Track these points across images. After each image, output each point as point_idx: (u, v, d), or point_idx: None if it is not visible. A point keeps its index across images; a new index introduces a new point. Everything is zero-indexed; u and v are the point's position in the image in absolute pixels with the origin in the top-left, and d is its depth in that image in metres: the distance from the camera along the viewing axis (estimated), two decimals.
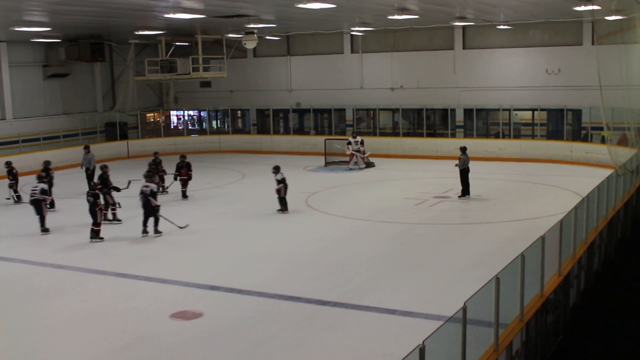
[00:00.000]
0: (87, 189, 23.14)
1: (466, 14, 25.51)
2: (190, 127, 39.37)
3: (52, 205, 20.81)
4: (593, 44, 27.21)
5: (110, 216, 18.99)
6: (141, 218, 17.53)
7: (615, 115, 23.69)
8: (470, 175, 21.10)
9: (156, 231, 17.47)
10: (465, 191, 21.06)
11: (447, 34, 31.42)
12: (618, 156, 21.22)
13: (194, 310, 11.87)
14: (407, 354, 6.46)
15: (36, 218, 18.05)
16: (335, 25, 29.48)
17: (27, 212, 20.85)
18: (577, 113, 29.12)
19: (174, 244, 16.74)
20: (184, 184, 21.97)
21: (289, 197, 21.55)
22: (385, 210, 19.78)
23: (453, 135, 31.53)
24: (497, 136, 31.18)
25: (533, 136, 30.17)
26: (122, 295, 13.00)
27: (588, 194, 14.13)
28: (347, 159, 28.32)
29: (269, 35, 32.77)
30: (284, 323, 11.30)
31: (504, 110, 30.54)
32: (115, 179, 20.12)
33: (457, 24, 29.16)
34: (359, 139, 28.41)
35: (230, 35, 30.53)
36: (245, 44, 27.67)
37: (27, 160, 27.74)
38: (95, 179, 18.73)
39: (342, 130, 34.13)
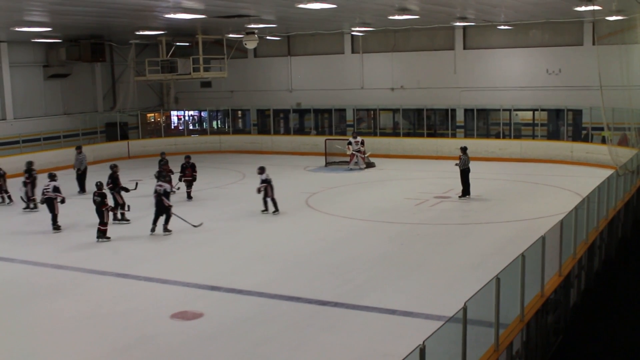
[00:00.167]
0: (77, 189, 23.30)
1: (467, 14, 25.51)
2: (190, 128, 39.39)
3: (35, 205, 20.94)
4: (594, 44, 27.20)
5: (119, 216, 18.99)
6: (146, 219, 17.58)
7: (616, 115, 23.67)
8: (470, 175, 21.10)
9: (165, 230, 17.56)
10: (466, 191, 21.06)
11: (448, 34, 31.42)
12: (618, 156, 21.22)
13: (195, 310, 11.87)
14: (407, 354, 6.46)
15: (35, 218, 18.08)
16: (336, 26, 29.48)
17: (27, 213, 20.89)
18: (577, 113, 29.12)
19: (175, 245, 16.74)
20: (189, 184, 21.93)
21: (289, 197, 21.60)
22: (385, 210, 19.77)
23: (453, 136, 31.53)
24: (497, 136, 31.17)
25: (534, 136, 30.16)
26: (123, 295, 13.00)
27: (588, 194, 14.14)
28: (348, 159, 28.31)
29: (269, 36, 32.78)
30: (284, 323, 11.30)
31: (504, 110, 30.53)
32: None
33: (457, 24, 29.16)
34: (359, 139, 28.40)
35: (230, 35, 30.54)
36: (245, 44, 27.66)
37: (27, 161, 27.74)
38: (105, 179, 18.72)
39: (342, 131, 34.14)
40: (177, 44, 32.05)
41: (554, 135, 30.04)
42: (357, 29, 30.96)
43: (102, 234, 17.06)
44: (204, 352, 10.25)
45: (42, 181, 23.72)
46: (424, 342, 6.48)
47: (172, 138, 35.44)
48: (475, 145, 28.71)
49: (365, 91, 33.48)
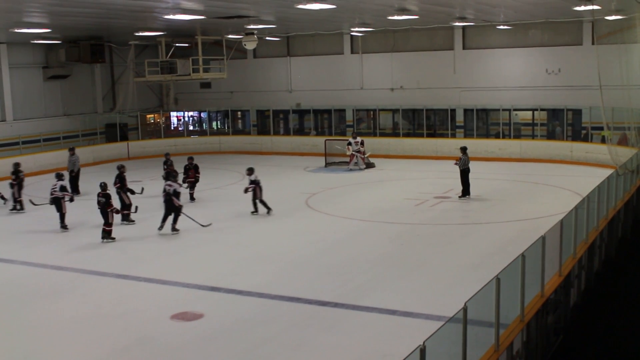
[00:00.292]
0: (70, 191, 23.20)
1: (466, 14, 25.51)
2: (190, 128, 39.39)
3: (21, 207, 20.95)
4: (593, 43, 27.19)
5: (131, 215, 18.99)
6: (149, 220, 17.67)
7: (616, 115, 23.68)
8: (470, 175, 21.10)
9: (173, 229, 17.65)
10: (466, 191, 21.05)
11: (447, 34, 31.43)
12: (618, 156, 21.22)
13: (195, 311, 11.86)
14: (407, 354, 6.46)
15: (35, 218, 18.08)
16: (335, 26, 29.49)
17: (27, 213, 20.89)
18: (577, 113, 29.12)
19: (175, 245, 16.74)
20: (192, 186, 21.91)
21: (288, 198, 21.65)
22: (385, 210, 19.77)
23: (453, 136, 31.53)
24: (497, 136, 31.17)
25: (533, 136, 30.17)
26: (123, 296, 12.99)
27: (588, 193, 14.14)
28: (348, 159, 28.32)
29: (269, 36, 32.77)
30: (284, 324, 11.29)
31: (504, 110, 30.54)
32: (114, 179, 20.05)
33: (457, 24, 29.16)
34: (359, 139, 28.40)
35: (230, 36, 30.54)
36: (245, 44, 27.67)
37: (28, 162, 27.72)
38: (107, 180, 18.72)
39: (342, 131, 34.14)
40: (177, 44, 32.06)
41: (553, 135, 30.05)
42: (357, 29, 30.96)
43: (107, 234, 17.06)
44: (204, 352, 10.24)
45: (29, 183, 23.83)
46: (424, 342, 6.48)
47: (172, 139, 35.43)
48: (475, 145, 28.71)
49: (365, 91, 33.49)
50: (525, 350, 10.24)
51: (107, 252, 16.29)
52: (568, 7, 22.21)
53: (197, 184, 22.24)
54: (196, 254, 15.98)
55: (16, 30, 23.68)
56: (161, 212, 17.89)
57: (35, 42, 30.05)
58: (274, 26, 27.58)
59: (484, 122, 32.28)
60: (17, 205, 21.09)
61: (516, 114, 30.97)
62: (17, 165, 21.63)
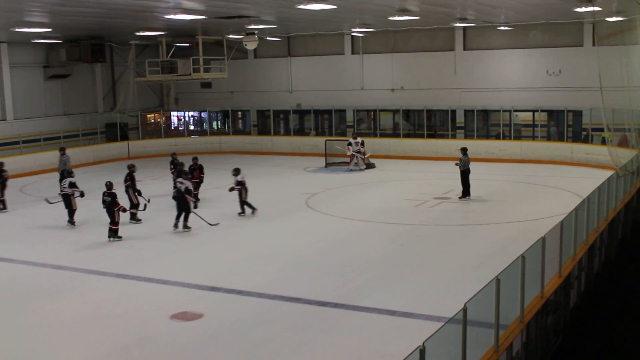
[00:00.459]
0: (58, 191, 23.19)
1: (467, 15, 25.51)
2: (190, 128, 39.39)
3: (4, 206, 20.95)
4: (594, 45, 27.21)
5: (141, 207, 19.06)
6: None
7: (616, 116, 23.69)
8: (470, 176, 21.10)
9: (185, 226, 17.77)
10: (466, 192, 21.05)
11: (448, 35, 31.43)
12: (618, 157, 21.24)
13: (194, 311, 11.86)
14: (407, 355, 6.46)
15: (35, 218, 18.07)
16: (336, 26, 29.49)
17: (27, 214, 20.90)
18: (577, 114, 29.12)
19: (175, 245, 16.75)
20: (196, 186, 21.86)
21: (288, 198, 21.65)
22: (385, 211, 19.77)
23: (453, 137, 31.53)
24: (497, 137, 31.17)
25: (534, 137, 30.16)
26: (123, 296, 12.99)
27: (588, 195, 14.14)
28: (348, 160, 28.32)
29: (269, 36, 32.78)
30: (284, 324, 11.29)
31: (504, 111, 30.53)
32: (117, 179, 20.04)
33: (457, 25, 29.16)
34: (359, 139, 28.40)
35: (230, 36, 30.55)
36: (245, 44, 27.67)
37: (28, 161, 27.79)
38: (113, 178, 18.81)
39: (342, 131, 34.14)
40: (177, 44, 32.04)
41: (554, 136, 30.05)
42: (357, 29, 30.96)
43: (113, 233, 17.06)
44: (204, 352, 10.25)
45: (29, 182, 23.88)
46: (424, 343, 6.48)
47: (172, 139, 35.43)
48: (476, 146, 28.71)
49: (365, 92, 33.49)
50: (525, 351, 10.24)
51: (107, 251, 16.29)
52: (569, 8, 22.20)
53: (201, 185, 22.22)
54: (196, 253, 15.98)
55: (17, 30, 23.68)
56: (165, 212, 17.91)
57: (36, 41, 30.04)
58: (274, 26, 27.58)
59: (484, 123, 32.28)
60: (0, 204, 21.08)
61: (516, 115, 30.98)
62: (0, 164, 21.60)
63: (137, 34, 28.26)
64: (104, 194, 17.14)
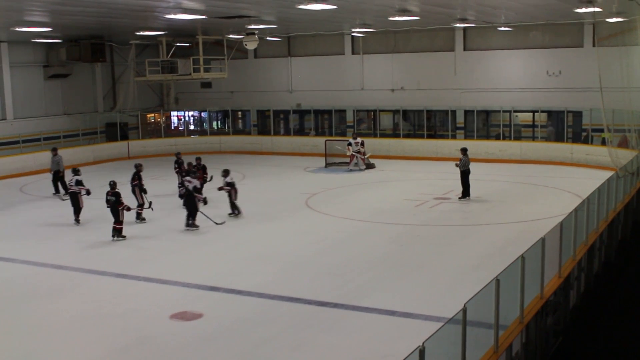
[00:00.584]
0: (53, 191, 23.19)
1: (467, 16, 25.51)
2: (190, 128, 39.38)
3: None
4: (594, 45, 27.23)
5: (146, 206, 19.08)
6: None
7: (616, 117, 23.70)
8: (470, 176, 21.09)
9: (193, 225, 17.91)
10: (466, 192, 21.05)
11: (448, 36, 31.43)
12: (618, 158, 21.23)
13: (194, 311, 11.87)
14: (407, 355, 6.46)
15: (35, 218, 18.06)
16: (336, 26, 29.48)
17: (27, 213, 20.90)
18: (577, 115, 29.12)
19: (174, 245, 16.74)
20: (200, 186, 21.87)
21: (288, 198, 21.64)
22: (385, 211, 19.78)
23: (453, 137, 31.53)
24: (497, 138, 31.17)
25: (534, 138, 30.16)
26: (122, 296, 12.99)
27: (588, 195, 14.14)
28: (348, 160, 28.31)
29: (269, 36, 32.78)
30: (283, 324, 11.30)
31: (504, 111, 30.53)
32: (116, 179, 20.02)
33: (458, 25, 29.16)
34: (359, 140, 28.40)
35: (231, 36, 30.55)
36: (246, 44, 27.66)
37: (28, 161, 27.78)
38: (113, 178, 18.78)
39: (342, 132, 34.14)
40: (178, 44, 32.04)
41: (549, 136, 30.04)
42: (358, 29, 30.97)
43: (118, 232, 17.07)
44: (204, 352, 10.25)
45: (29, 182, 23.89)
46: (423, 343, 6.48)
47: (172, 138, 35.42)
48: (476, 146, 28.71)
49: (366, 92, 33.48)
50: (525, 351, 10.24)
51: (107, 251, 16.29)
52: (569, 9, 22.19)
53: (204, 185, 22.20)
54: (196, 253, 15.98)
55: (17, 29, 23.69)
56: (167, 212, 17.92)
57: (36, 40, 30.04)
58: (274, 26, 27.58)
59: (484, 123, 32.28)
60: None
61: (516, 116, 30.97)
62: None
63: (137, 33, 28.26)
64: (107, 194, 17.13)
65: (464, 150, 21.19)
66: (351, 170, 27.76)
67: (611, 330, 12.79)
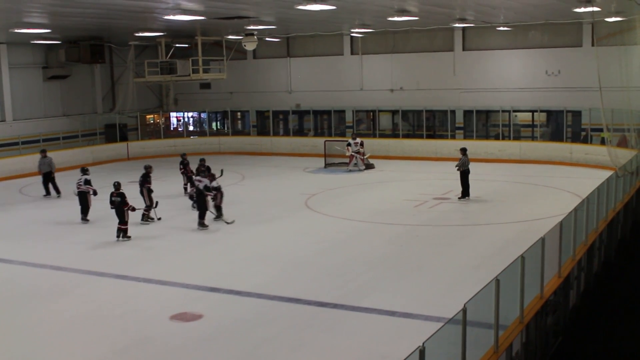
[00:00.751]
0: (43, 193, 23.18)
1: (466, 16, 25.51)
2: (190, 129, 39.38)
3: None
4: (593, 45, 27.22)
5: (152, 215, 19.10)
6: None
7: (615, 116, 23.71)
8: (470, 176, 21.10)
9: (202, 224, 18.02)
10: (465, 192, 21.05)
11: (447, 36, 31.43)
12: (618, 157, 21.24)
13: (194, 311, 11.86)
14: (407, 355, 6.45)
15: (35, 217, 18.03)
16: (335, 27, 29.49)
17: (27, 214, 20.89)
18: (576, 114, 29.13)
19: (174, 246, 16.73)
20: None
21: (288, 199, 21.65)
22: (385, 211, 19.77)
23: (453, 137, 31.53)
24: (497, 137, 31.18)
25: (533, 138, 30.17)
26: (122, 296, 12.99)
27: (588, 195, 14.15)
28: (347, 160, 28.31)
29: (268, 37, 32.77)
30: (283, 325, 11.29)
31: (503, 111, 30.54)
32: (114, 180, 20.02)
33: (457, 25, 29.17)
34: (358, 140, 28.40)
35: (230, 36, 30.55)
36: (245, 45, 27.67)
37: (27, 162, 27.75)
38: (115, 178, 18.85)
39: (342, 132, 34.14)
40: (177, 45, 32.04)
41: (553, 136, 30.05)
42: (357, 30, 30.97)
43: (123, 232, 17.06)
44: (203, 353, 10.24)
45: (29, 183, 23.85)
46: (423, 343, 6.48)
47: (172, 139, 35.41)
48: (475, 146, 28.71)
49: (365, 92, 33.49)
50: (525, 351, 10.24)
51: (107, 252, 16.28)
52: (568, 8, 22.21)
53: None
54: (196, 254, 15.98)
55: (16, 31, 23.67)
56: (168, 212, 17.92)
57: (35, 42, 30.04)
58: (273, 27, 27.58)
59: (483, 123, 32.28)
60: None
61: (516, 116, 30.98)
62: None
63: (137, 34, 28.25)
64: (112, 195, 17.12)
65: (463, 150, 21.20)
66: (350, 171, 27.76)
67: (611, 330, 12.80)
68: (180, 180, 23.34)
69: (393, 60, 32.68)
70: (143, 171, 19.52)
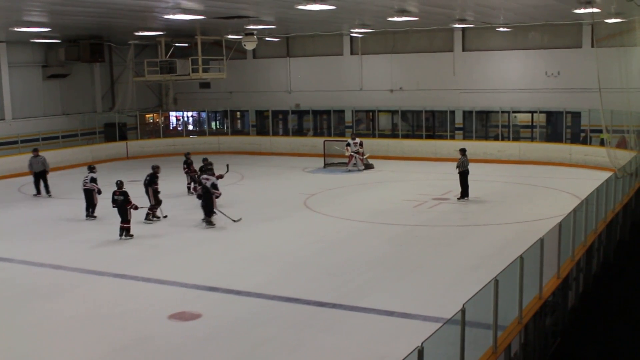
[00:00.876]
0: (34, 192, 23.19)
1: (466, 16, 25.51)
2: (189, 128, 39.37)
3: None
4: (592, 46, 27.23)
5: (159, 214, 19.13)
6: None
7: (615, 118, 23.71)
8: (469, 177, 21.10)
9: (209, 222, 18.12)
10: (465, 193, 21.05)
11: (447, 36, 31.44)
12: (617, 159, 21.26)
13: (193, 311, 11.86)
14: (405, 355, 6.45)
15: (34, 216, 18.01)
16: (335, 27, 29.49)
17: (26, 213, 20.88)
18: (576, 116, 29.13)
19: (173, 245, 16.73)
20: None
21: (287, 199, 21.64)
22: (384, 212, 19.77)
23: (452, 137, 31.53)
24: (496, 138, 31.19)
25: (532, 138, 30.18)
26: (121, 296, 12.99)
27: (587, 196, 14.15)
28: (346, 160, 28.31)
29: (268, 37, 32.77)
30: (282, 324, 11.29)
31: (503, 112, 30.54)
32: (113, 179, 20.02)
33: (456, 26, 29.18)
34: (358, 140, 28.40)
35: (229, 36, 30.54)
36: (244, 45, 27.66)
37: (26, 161, 27.66)
38: (116, 177, 18.86)
39: (341, 132, 34.14)
40: (176, 44, 32.03)
41: (552, 137, 30.05)
42: (356, 30, 30.97)
43: (126, 231, 17.06)
44: (202, 353, 10.24)
45: (28, 182, 23.82)
46: (422, 343, 6.48)
47: (171, 139, 35.41)
48: (474, 147, 28.71)
49: (364, 92, 33.49)
50: (523, 352, 10.24)
51: (106, 251, 16.28)
52: (568, 9, 22.21)
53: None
54: (194, 253, 15.98)
55: (16, 29, 23.66)
56: (168, 212, 17.88)
57: (35, 41, 30.01)
58: (273, 27, 27.57)
59: (483, 124, 32.28)
60: None
61: (515, 116, 30.99)
62: None
63: (136, 34, 28.24)
64: (114, 193, 17.11)
65: (462, 151, 21.20)
66: (350, 171, 27.76)
67: (610, 331, 12.80)
68: (182, 179, 23.34)
69: (393, 60, 32.69)
70: (150, 171, 19.45)
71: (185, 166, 22.68)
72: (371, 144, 30.57)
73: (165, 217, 19.07)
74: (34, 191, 23.33)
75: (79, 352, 10.41)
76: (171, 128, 39.16)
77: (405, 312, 11.59)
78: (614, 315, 13.60)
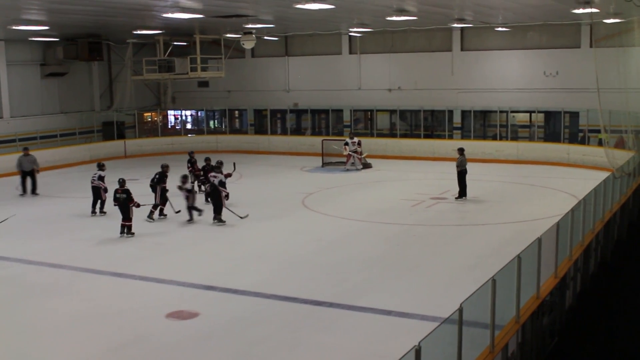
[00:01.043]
0: (20, 192, 23.19)
1: (465, 16, 25.53)
2: (187, 127, 39.35)
3: None
4: (591, 46, 27.23)
5: (157, 214, 19.10)
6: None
7: (613, 118, 23.73)
8: (467, 176, 21.10)
9: (219, 219, 18.18)
10: (462, 193, 21.06)
11: (445, 36, 31.45)
12: (615, 159, 21.28)
13: (190, 310, 11.85)
14: (403, 355, 6.45)
15: (34, 216, 17.97)
16: (334, 26, 29.49)
17: (23, 211, 20.84)
18: (574, 115, 29.15)
19: (170, 244, 16.72)
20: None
21: (285, 198, 21.63)
22: (382, 211, 19.78)
23: (450, 137, 31.54)
24: (494, 138, 31.21)
25: (530, 138, 30.19)
26: (118, 294, 12.97)
27: (585, 196, 14.15)
28: (344, 159, 28.31)
29: (267, 36, 32.77)
30: (279, 323, 11.29)
31: (501, 112, 30.57)
32: (111, 178, 20.01)
33: (455, 25, 29.18)
34: (356, 139, 28.41)
35: (228, 35, 30.52)
36: (243, 44, 27.65)
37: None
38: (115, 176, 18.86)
39: (339, 131, 34.14)
40: (175, 43, 32.00)
41: (550, 137, 30.07)
42: (355, 29, 30.97)
43: (127, 229, 17.04)
44: (200, 351, 10.23)
45: (11, 181, 23.85)
46: (419, 343, 6.47)
47: (169, 138, 35.39)
48: (472, 146, 28.73)
49: (363, 92, 33.48)
50: (520, 351, 10.24)
51: (103, 250, 16.27)
52: (566, 9, 22.23)
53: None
54: (192, 252, 15.97)
55: (14, 27, 23.65)
56: (171, 210, 17.83)
57: (33, 39, 29.99)
58: (272, 26, 27.57)
59: (481, 123, 32.30)
60: None
61: (513, 116, 31.00)
62: None
63: (135, 32, 28.21)
64: (116, 192, 17.10)
65: (460, 150, 21.21)
66: (348, 170, 27.76)
67: (607, 331, 12.80)
68: None
69: (391, 59, 32.69)
70: (159, 170, 19.39)
71: (189, 165, 22.64)
72: (369, 144, 30.57)
73: (178, 212, 19.01)
74: (20, 191, 23.26)
75: (77, 350, 10.40)
76: (169, 127, 39.12)
77: (403, 311, 11.59)
78: (611, 315, 13.60)
